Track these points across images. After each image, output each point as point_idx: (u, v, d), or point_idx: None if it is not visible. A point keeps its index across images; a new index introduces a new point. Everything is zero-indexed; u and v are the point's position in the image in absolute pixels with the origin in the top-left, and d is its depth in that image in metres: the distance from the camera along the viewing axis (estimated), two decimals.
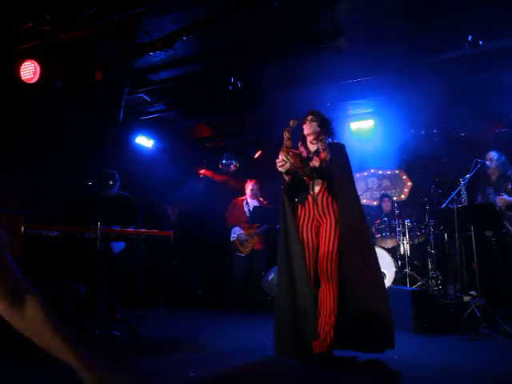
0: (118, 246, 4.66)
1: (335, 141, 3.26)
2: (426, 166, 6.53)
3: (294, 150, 3.14)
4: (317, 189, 3.10)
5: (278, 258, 3.15)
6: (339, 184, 3.04)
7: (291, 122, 3.08)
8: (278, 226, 6.32)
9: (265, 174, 7.11)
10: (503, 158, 4.51)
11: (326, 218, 3.04)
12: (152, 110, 6.47)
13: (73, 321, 3.85)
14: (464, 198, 4.58)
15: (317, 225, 3.08)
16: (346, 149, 3.22)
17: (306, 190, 3.13)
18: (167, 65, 5.20)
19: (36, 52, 4.27)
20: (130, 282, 5.11)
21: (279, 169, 3.03)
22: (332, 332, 2.79)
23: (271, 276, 6.04)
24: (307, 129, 3.20)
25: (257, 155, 7.30)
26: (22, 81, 4.26)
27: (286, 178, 3.14)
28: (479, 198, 4.66)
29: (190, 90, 5.88)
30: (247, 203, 6.24)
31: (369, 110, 6.45)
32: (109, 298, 4.32)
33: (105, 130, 5.57)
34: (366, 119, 6.43)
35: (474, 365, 2.82)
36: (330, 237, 2.98)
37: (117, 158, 4.89)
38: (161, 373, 2.62)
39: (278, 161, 3.01)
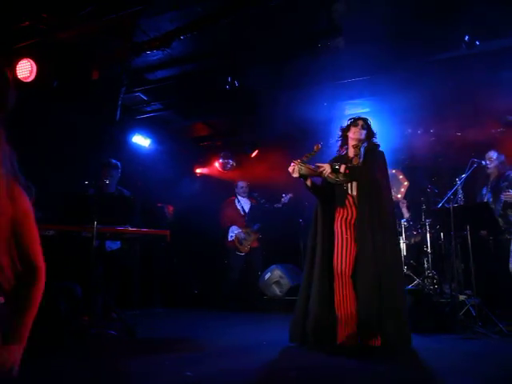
0: (114, 245, 4.65)
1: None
2: (422, 165, 6.55)
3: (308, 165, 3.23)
4: (355, 190, 3.21)
5: (305, 260, 3.43)
6: (369, 184, 3.15)
7: (315, 147, 3.23)
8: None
9: (261, 173, 7.13)
10: (502, 157, 4.52)
11: None
12: (149, 109, 6.46)
13: (69, 320, 3.84)
14: (460, 197, 4.59)
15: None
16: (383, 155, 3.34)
17: (344, 192, 3.23)
18: (164, 64, 5.19)
19: (32, 50, 4.25)
20: (126, 282, 5.10)
21: (292, 175, 3.15)
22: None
23: (267, 275, 6.06)
24: (355, 134, 3.30)
25: (254, 154, 7.31)
26: (18, 79, 4.24)
27: (307, 182, 3.26)
28: (477, 200, 4.69)
29: (187, 90, 5.87)
30: (239, 201, 6.31)
31: (365, 110, 6.46)
32: (105, 297, 4.31)
33: (101, 129, 5.55)
34: None
35: (469, 364, 2.83)
36: None
37: (113, 157, 4.87)
38: (157, 372, 2.62)
39: (289, 169, 3.15)
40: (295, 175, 3.13)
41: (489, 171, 4.53)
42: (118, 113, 5.16)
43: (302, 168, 3.10)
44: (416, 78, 5.23)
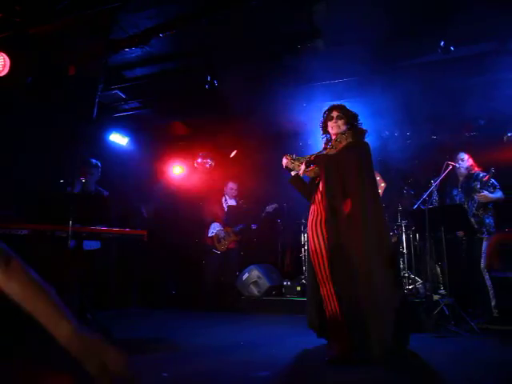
0: (93, 245, 4.56)
1: (364, 138, 3.12)
2: (399, 167, 6.65)
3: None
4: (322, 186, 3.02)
5: None
6: (331, 179, 2.91)
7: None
8: (253, 226, 6.42)
9: (240, 173, 7.12)
10: (471, 159, 4.65)
11: None
12: (127, 107, 6.38)
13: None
14: (435, 199, 4.69)
15: None
16: (365, 146, 3.04)
17: (316, 187, 3.09)
18: (143, 62, 5.13)
19: (6, 44, 4.13)
20: (102, 282, 5.02)
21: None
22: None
23: (245, 275, 6.04)
24: (333, 128, 3.12)
25: (232, 154, 7.30)
26: None
27: (291, 173, 3.28)
28: (447, 200, 4.80)
29: (165, 88, 5.82)
30: (226, 200, 6.30)
31: None
32: (80, 298, 4.22)
33: (78, 127, 5.45)
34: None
35: (441, 362, 2.89)
36: None
37: (90, 155, 4.79)
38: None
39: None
40: (284, 166, 3.27)
41: (459, 172, 4.65)
42: (95, 110, 5.07)
43: (289, 161, 3.24)
44: (394, 81, 5.31)
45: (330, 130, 3.17)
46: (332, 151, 3.08)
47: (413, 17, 4.28)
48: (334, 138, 3.16)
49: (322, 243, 2.90)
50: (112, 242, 4.45)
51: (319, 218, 2.97)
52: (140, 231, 4.10)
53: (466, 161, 4.61)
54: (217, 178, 6.92)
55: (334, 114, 3.14)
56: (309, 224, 3.07)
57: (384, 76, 5.30)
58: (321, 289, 2.93)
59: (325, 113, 3.24)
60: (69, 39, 4.35)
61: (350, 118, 3.15)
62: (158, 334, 4.12)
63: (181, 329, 4.42)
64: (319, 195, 3.01)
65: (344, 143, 3.07)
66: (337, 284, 2.80)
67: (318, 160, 3.05)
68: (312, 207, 3.09)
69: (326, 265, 2.85)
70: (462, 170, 4.62)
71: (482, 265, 4.24)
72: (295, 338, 3.69)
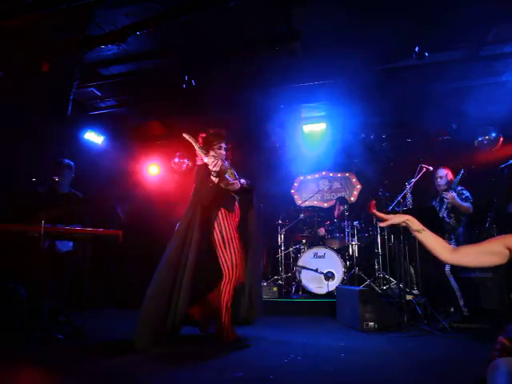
0: (66, 246, 4.47)
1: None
2: (374, 169, 6.76)
3: None
4: None
5: None
6: None
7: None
8: None
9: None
10: (450, 174, 4.76)
11: None
12: (103, 105, 6.28)
13: (10, 323, 3.65)
14: (409, 201, 4.78)
15: None
16: None
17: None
18: (119, 59, 5.06)
19: None
20: (77, 283, 4.92)
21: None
22: None
23: None
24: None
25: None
26: None
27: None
28: None
29: (142, 87, 5.75)
30: None
31: (321, 114, 6.60)
32: (52, 299, 4.12)
33: (51, 125, 5.32)
34: (319, 122, 6.57)
35: (413, 360, 2.95)
36: None
37: (63, 154, 4.68)
38: (108, 375, 2.54)
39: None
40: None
41: (439, 188, 4.75)
42: (70, 108, 4.97)
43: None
44: (371, 83, 5.39)
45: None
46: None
47: (389, 22, 4.34)
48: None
49: None
50: (86, 242, 4.36)
51: None
52: (115, 231, 4.04)
53: (444, 177, 4.71)
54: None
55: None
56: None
57: (360, 80, 5.37)
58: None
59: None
60: (43, 34, 4.25)
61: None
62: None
63: None
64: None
65: None
66: None
67: None
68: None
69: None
70: (442, 187, 4.72)
71: (447, 268, 4.34)
72: (271, 338, 3.70)
